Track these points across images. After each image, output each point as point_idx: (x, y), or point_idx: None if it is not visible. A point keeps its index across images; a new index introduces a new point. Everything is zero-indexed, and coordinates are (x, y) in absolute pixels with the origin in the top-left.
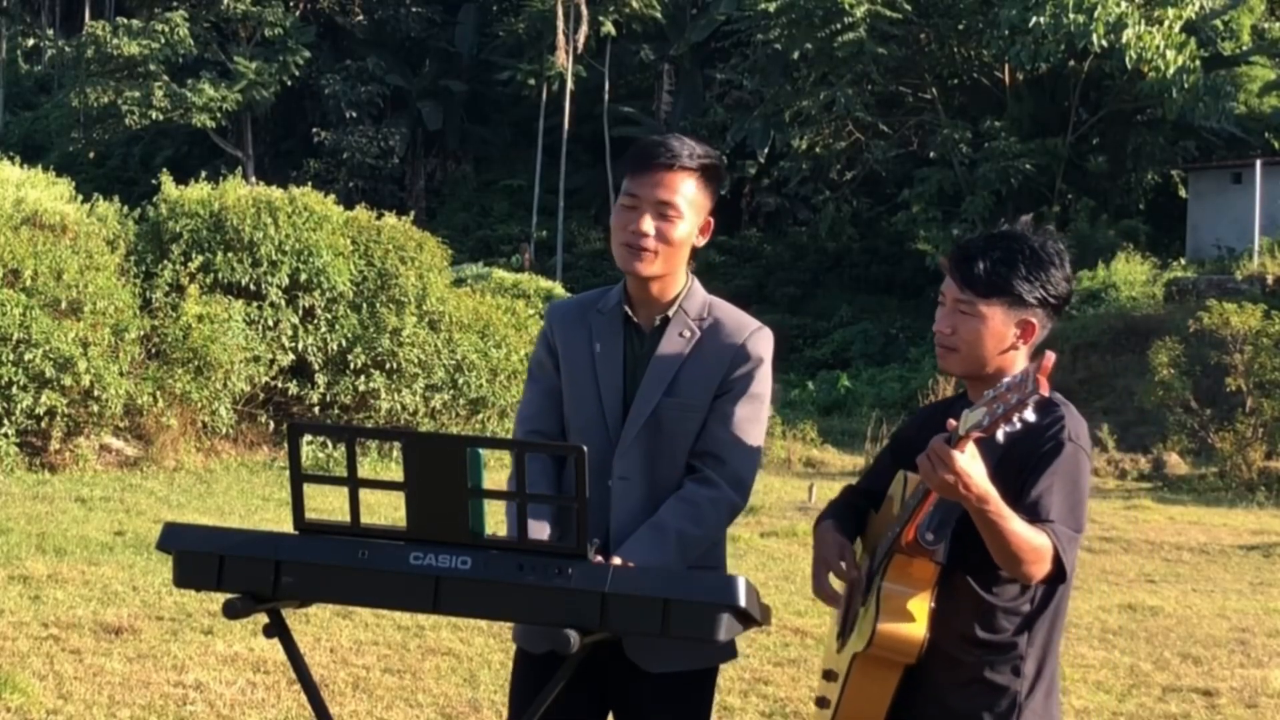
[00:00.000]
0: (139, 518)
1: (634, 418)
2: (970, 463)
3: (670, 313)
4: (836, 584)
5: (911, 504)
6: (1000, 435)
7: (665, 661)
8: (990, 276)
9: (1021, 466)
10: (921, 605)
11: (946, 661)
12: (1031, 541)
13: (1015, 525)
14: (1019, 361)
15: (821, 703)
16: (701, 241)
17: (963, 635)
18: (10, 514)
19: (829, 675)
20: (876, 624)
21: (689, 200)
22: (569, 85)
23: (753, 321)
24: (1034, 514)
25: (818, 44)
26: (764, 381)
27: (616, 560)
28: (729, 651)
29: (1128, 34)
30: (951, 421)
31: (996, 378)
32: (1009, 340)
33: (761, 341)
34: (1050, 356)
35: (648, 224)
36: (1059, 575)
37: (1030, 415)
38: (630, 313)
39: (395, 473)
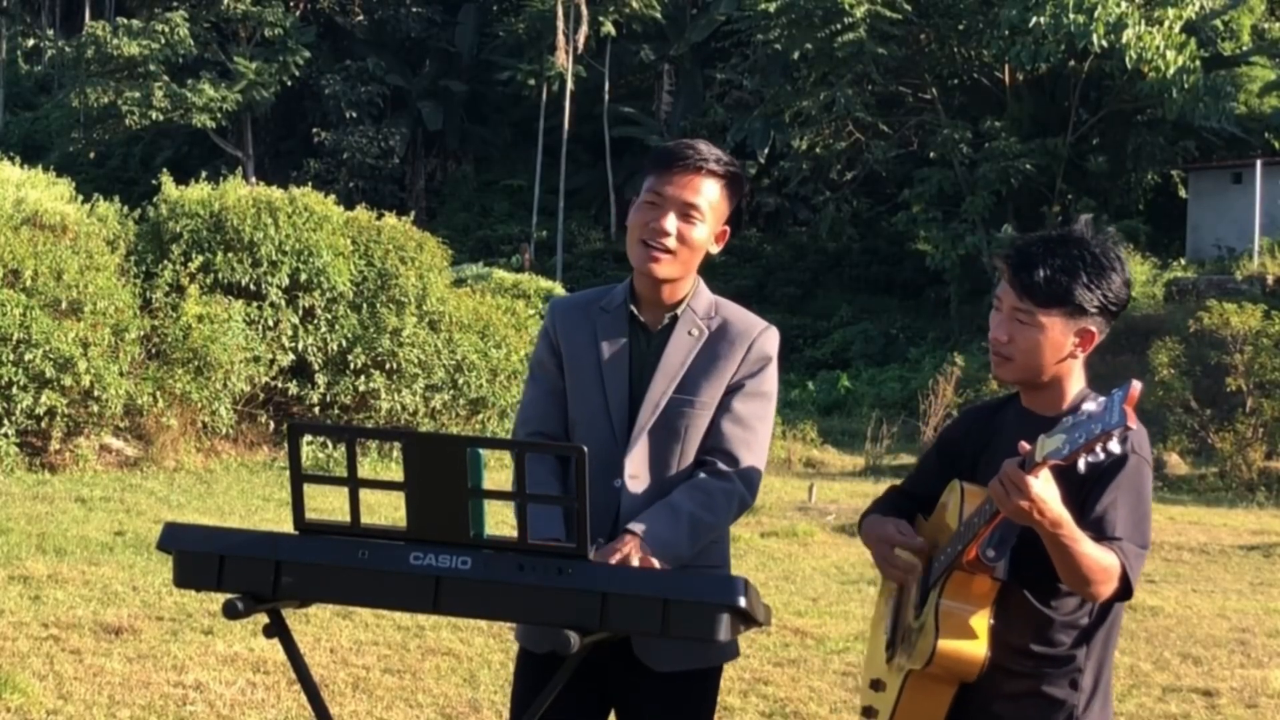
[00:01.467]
0: (139, 518)
1: (643, 415)
2: (1045, 488)
3: (678, 311)
4: (905, 556)
5: (977, 523)
6: (1082, 465)
7: (671, 660)
8: (1050, 285)
9: (1084, 479)
10: (982, 623)
11: (1001, 675)
12: (1101, 562)
13: (1086, 548)
14: (1076, 370)
15: (868, 712)
16: (716, 249)
17: (1018, 649)
18: (10, 514)
19: (876, 685)
20: (936, 642)
21: (711, 204)
22: (569, 85)
23: (760, 321)
24: (1099, 530)
25: (818, 44)
26: (772, 380)
27: (633, 553)
28: (732, 650)
29: (1128, 34)
30: (1024, 445)
31: (1053, 386)
32: (1067, 350)
33: (770, 341)
34: (1137, 386)
35: (670, 223)
36: (1124, 593)
37: (1115, 447)
38: (636, 311)
39: (395, 473)
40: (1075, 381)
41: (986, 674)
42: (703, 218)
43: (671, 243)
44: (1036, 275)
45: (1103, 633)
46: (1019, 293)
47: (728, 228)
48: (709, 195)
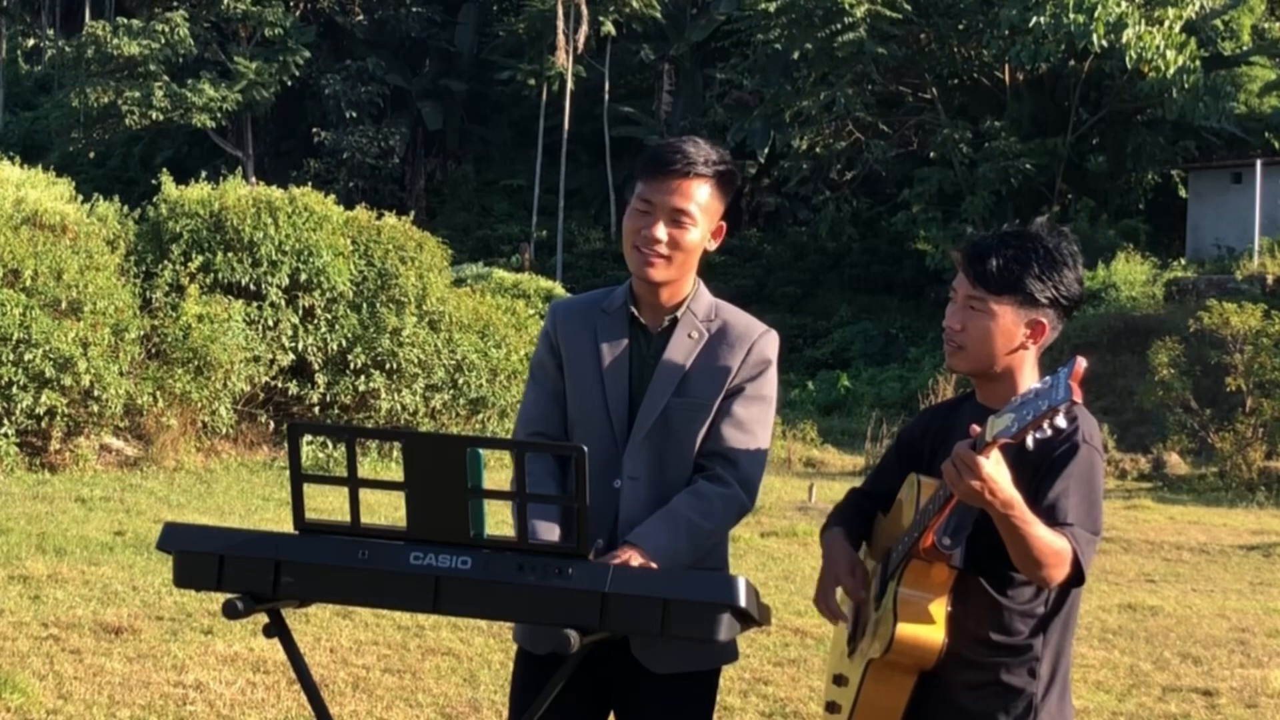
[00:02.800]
0: (139, 518)
1: (643, 417)
2: (996, 468)
3: (678, 314)
4: (843, 600)
5: (931, 510)
6: (1030, 442)
7: (670, 662)
8: (1002, 274)
9: (1036, 468)
10: (939, 610)
11: (961, 664)
12: (1053, 545)
13: (1038, 530)
14: (1028, 361)
15: (832, 708)
16: (713, 246)
17: (977, 638)
18: (10, 514)
19: (839, 680)
20: (894, 630)
21: (702, 206)
22: (569, 85)
23: (760, 324)
24: (1051, 517)
25: (818, 44)
26: (771, 384)
27: (632, 559)
28: (731, 653)
29: (1128, 34)
30: (975, 427)
31: (1005, 377)
32: (1018, 339)
33: (769, 344)
34: (1081, 362)
35: (661, 230)
36: (1077, 578)
37: (1062, 422)
38: (636, 313)
39: (395, 473)
40: (1028, 375)
41: (947, 664)
42: (694, 222)
43: (664, 249)
44: (989, 264)
45: (1059, 621)
46: (972, 281)
47: (724, 224)
48: (698, 198)
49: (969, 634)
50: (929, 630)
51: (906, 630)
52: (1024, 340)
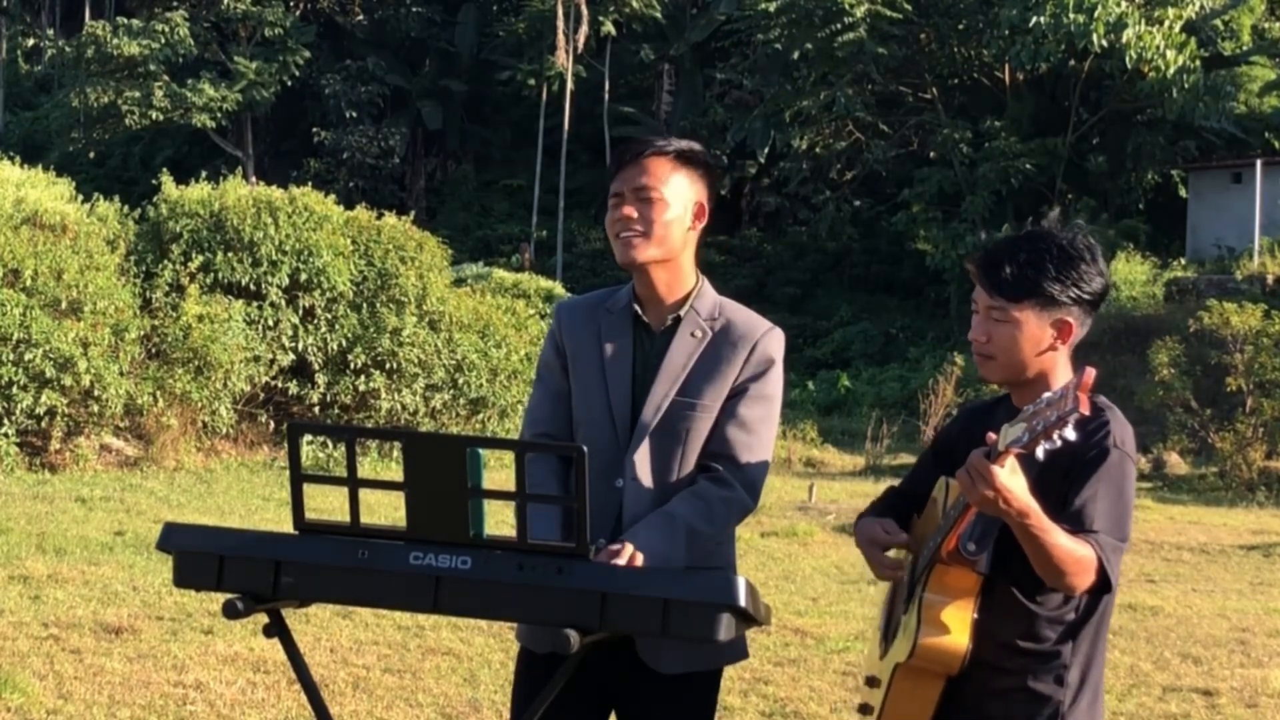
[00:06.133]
0: (139, 518)
1: (645, 417)
2: (1010, 478)
3: (681, 312)
4: (894, 554)
5: (953, 514)
6: (1040, 453)
7: (676, 662)
8: (1018, 280)
9: (1066, 473)
10: (964, 616)
11: (989, 671)
12: (1075, 553)
13: (1058, 538)
14: (1060, 362)
15: (864, 709)
16: (698, 224)
17: (1005, 644)
18: (10, 514)
19: (871, 681)
20: (918, 636)
21: (664, 181)
22: (569, 85)
23: (765, 322)
24: (1078, 523)
25: (818, 44)
26: (776, 383)
27: (624, 560)
28: (740, 652)
29: (1128, 34)
30: (991, 435)
31: (1039, 381)
32: (1046, 342)
33: (774, 343)
34: (1090, 372)
35: (630, 210)
36: (1103, 586)
37: (1070, 433)
38: (640, 312)
39: (395, 473)
40: (1061, 376)
41: (975, 670)
42: (660, 197)
43: (636, 226)
44: (1004, 272)
45: (1090, 629)
46: (990, 291)
47: (704, 204)
48: (659, 174)
49: (997, 640)
50: (952, 638)
51: (929, 637)
52: (1052, 342)
